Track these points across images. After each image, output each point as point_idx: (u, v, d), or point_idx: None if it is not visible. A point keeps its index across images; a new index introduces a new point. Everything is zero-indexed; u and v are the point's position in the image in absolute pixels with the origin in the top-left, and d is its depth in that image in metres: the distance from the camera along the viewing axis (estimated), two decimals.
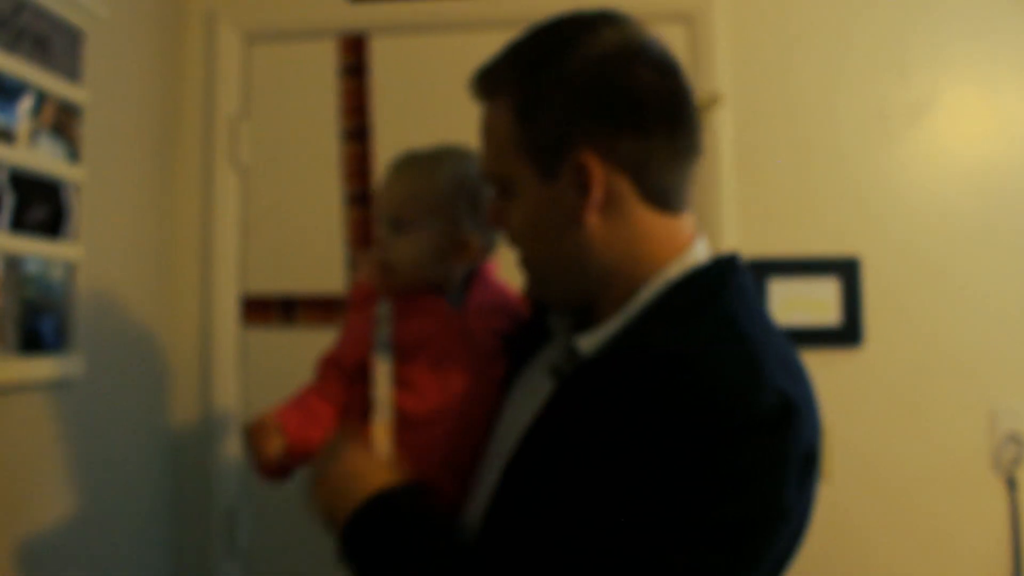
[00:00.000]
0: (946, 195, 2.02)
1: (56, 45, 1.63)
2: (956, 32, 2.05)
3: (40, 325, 1.58)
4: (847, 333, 2.00)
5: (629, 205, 0.95)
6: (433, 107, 2.06)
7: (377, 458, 1.10)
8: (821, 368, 1.87)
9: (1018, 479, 1.97)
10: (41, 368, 1.57)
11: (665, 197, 0.96)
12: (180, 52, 2.14)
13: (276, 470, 1.15)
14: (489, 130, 1.01)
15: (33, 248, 1.54)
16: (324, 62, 2.14)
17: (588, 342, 0.96)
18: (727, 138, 2.04)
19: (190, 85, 2.15)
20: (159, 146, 2.04)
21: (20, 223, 1.51)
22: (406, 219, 1.18)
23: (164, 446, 2.04)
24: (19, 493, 1.52)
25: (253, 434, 1.14)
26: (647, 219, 0.96)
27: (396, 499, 1.01)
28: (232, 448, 2.07)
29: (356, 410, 1.18)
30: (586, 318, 1.01)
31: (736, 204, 2.04)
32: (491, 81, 1.01)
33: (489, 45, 1.05)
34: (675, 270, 0.96)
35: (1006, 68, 2.04)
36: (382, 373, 1.15)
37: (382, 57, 2.12)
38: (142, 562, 1.94)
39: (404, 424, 1.14)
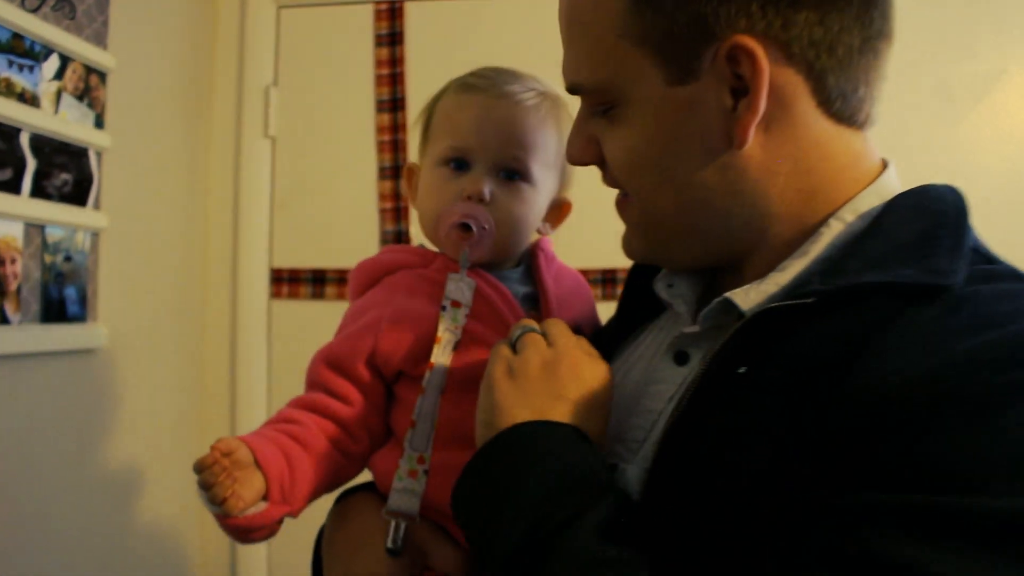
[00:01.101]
0: (1012, 172, 1.91)
1: (80, 7, 1.58)
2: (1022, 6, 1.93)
3: (63, 294, 1.54)
4: None
5: (802, 113, 0.66)
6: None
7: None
8: None
9: None
10: (65, 337, 1.54)
11: (851, 104, 0.68)
12: (210, 16, 2.09)
13: (252, 524, 0.77)
14: (581, 13, 0.71)
15: (55, 215, 1.51)
16: (358, 29, 2.07)
17: (751, 296, 0.66)
18: None
19: (220, 50, 2.10)
20: (187, 113, 2.00)
21: (42, 190, 1.48)
22: (525, 170, 0.89)
23: (190, 416, 2.01)
24: (41, 459, 1.50)
25: (214, 469, 0.73)
26: (825, 135, 0.68)
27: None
28: (257, 419, 2.03)
29: (374, 428, 0.88)
30: (715, 283, 0.76)
31: None
32: None
33: (530, 13, 0.93)
34: (868, 202, 0.68)
35: None
36: (438, 373, 0.84)
37: (417, 24, 2.05)
38: (168, 530, 1.91)
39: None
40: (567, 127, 0.81)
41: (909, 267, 0.60)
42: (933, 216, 0.65)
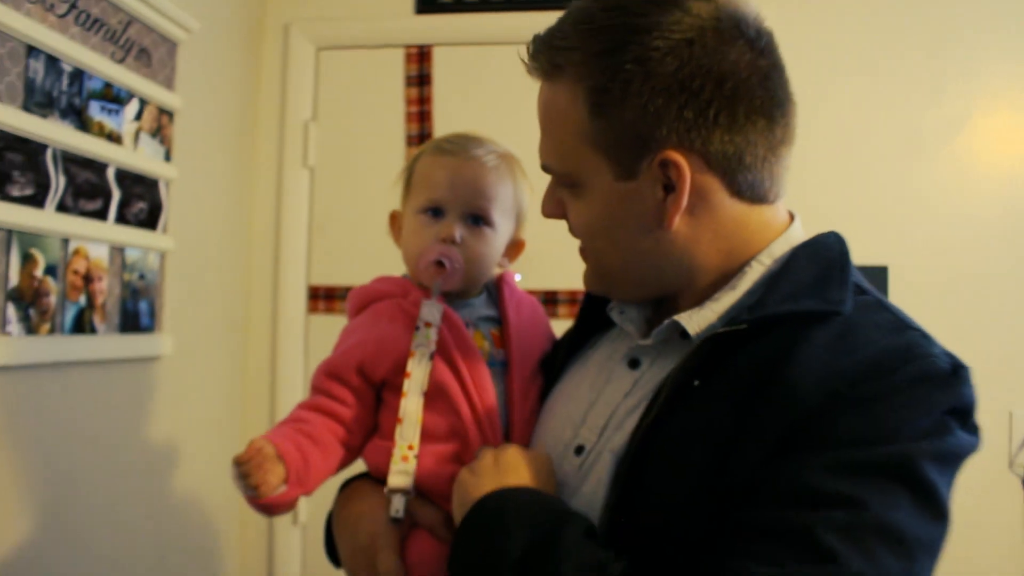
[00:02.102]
0: (971, 210, 2.14)
1: (156, 56, 1.80)
2: (988, 56, 2.15)
3: (138, 307, 1.76)
4: None
5: (718, 202, 0.86)
6: (490, 115, 2.21)
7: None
8: None
9: None
10: (138, 346, 1.76)
11: (758, 190, 0.87)
12: (257, 60, 2.32)
13: (276, 503, 0.98)
14: (553, 117, 0.90)
15: (133, 239, 1.72)
16: (390, 70, 2.30)
17: (694, 322, 0.87)
18: None
19: (264, 88, 2.33)
20: (236, 146, 2.22)
21: (123, 217, 1.69)
22: (487, 217, 1.09)
23: (235, 415, 2.22)
24: (117, 449, 1.71)
25: (250, 464, 0.93)
26: (737, 213, 0.87)
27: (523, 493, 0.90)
28: None
29: (366, 424, 1.08)
30: (661, 305, 0.96)
31: None
32: (556, 59, 0.88)
33: None
34: (779, 249, 0.88)
35: None
36: (417, 380, 1.03)
37: (443, 67, 2.28)
38: (210, 511, 2.12)
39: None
40: (521, 180, 1.10)
41: (812, 299, 0.83)
42: (825, 260, 0.87)
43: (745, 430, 0.77)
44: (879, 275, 2.13)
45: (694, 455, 0.79)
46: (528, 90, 0.93)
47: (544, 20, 2.22)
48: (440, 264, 1.05)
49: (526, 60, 0.91)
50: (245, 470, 0.93)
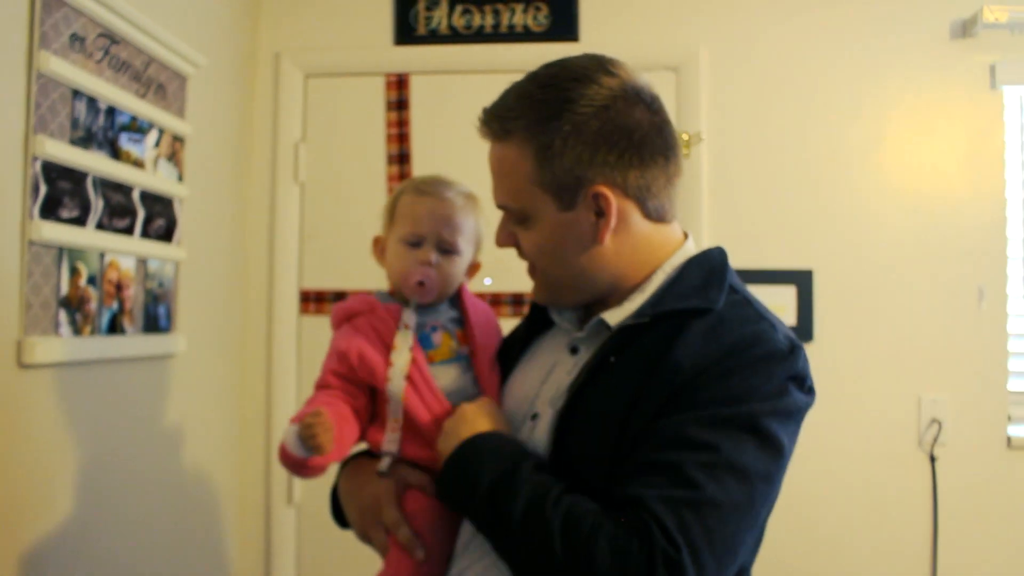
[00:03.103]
0: (885, 220, 2.45)
1: (170, 89, 2.05)
2: (900, 85, 2.47)
3: (158, 311, 2.01)
4: (801, 331, 2.43)
5: (634, 222, 1.14)
6: (461, 137, 2.47)
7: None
8: None
9: (937, 455, 2.40)
10: (158, 345, 2.00)
11: (661, 212, 1.16)
12: (251, 87, 2.56)
13: (320, 465, 1.21)
14: (505, 168, 1.16)
15: (155, 252, 1.97)
16: (372, 96, 2.56)
17: (614, 317, 1.14)
18: (705, 170, 2.47)
19: (258, 113, 2.58)
20: (235, 165, 2.47)
21: (146, 232, 1.94)
22: (455, 246, 1.33)
23: (235, 408, 2.47)
24: (140, 438, 1.95)
25: (318, 426, 1.15)
26: (648, 230, 1.15)
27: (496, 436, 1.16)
28: (288, 409, 2.50)
29: (368, 411, 1.31)
30: (590, 310, 1.21)
31: (711, 224, 2.47)
32: (505, 126, 1.14)
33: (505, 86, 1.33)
34: (677, 260, 1.17)
35: (941, 114, 2.46)
36: (399, 368, 1.27)
37: (420, 93, 2.55)
38: (214, 501, 2.37)
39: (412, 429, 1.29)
40: (480, 215, 1.36)
41: (696, 299, 1.11)
42: (709, 269, 1.16)
43: (642, 394, 1.06)
44: (805, 277, 2.44)
45: (608, 411, 1.08)
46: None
47: (505, 52, 2.53)
48: (421, 283, 1.31)
49: (478, 126, 1.18)
50: (313, 431, 1.15)
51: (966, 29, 2.44)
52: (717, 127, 2.49)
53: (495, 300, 2.46)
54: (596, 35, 2.51)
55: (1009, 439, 2.39)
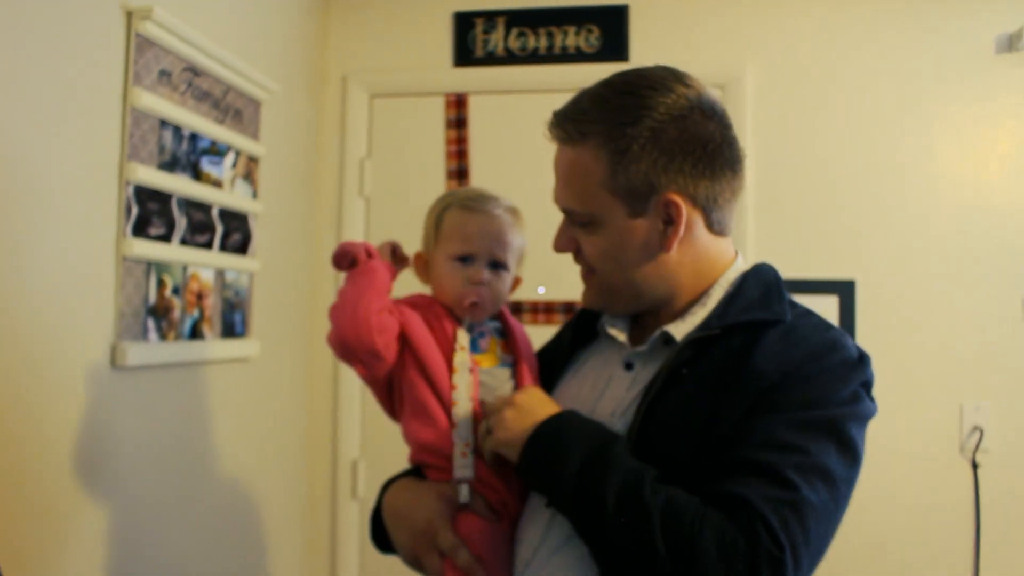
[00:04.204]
0: (927, 230, 2.51)
1: (246, 114, 2.23)
2: (945, 99, 2.52)
3: (234, 318, 2.19)
4: None
5: (698, 234, 1.17)
6: (517, 153, 2.61)
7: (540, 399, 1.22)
8: None
9: (980, 462, 2.44)
10: (234, 349, 2.18)
11: (722, 225, 1.19)
12: (320, 107, 2.74)
13: (372, 266, 1.29)
14: (576, 170, 1.16)
15: (232, 264, 2.15)
16: (432, 115, 2.72)
17: (680, 330, 1.16)
18: (751, 184, 2.56)
19: (326, 131, 2.76)
20: (304, 181, 2.65)
21: (224, 246, 2.12)
22: (505, 263, 1.34)
23: (304, 409, 2.65)
24: (217, 430, 2.14)
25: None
26: (708, 242, 1.18)
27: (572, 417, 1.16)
28: (354, 412, 2.68)
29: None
30: (638, 321, 1.23)
31: (757, 237, 2.56)
32: (581, 128, 1.15)
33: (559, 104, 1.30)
34: (732, 274, 1.20)
35: (987, 129, 2.51)
36: (463, 390, 1.28)
37: (478, 111, 2.69)
38: (283, 496, 2.55)
39: None
40: (523, 229, 1.37)
41: (761, 311, 1.14)
42: (766, 283, 1.20)
43: (722, 402, 1.08)
44: (847, 288, 2.51)
45: (686, 421, 1.09)
46: (541, 130, 1.24)
47: (559, 72, 2.65)
48: (475, 304, 1.31)
49: (549, 128, 1.19)
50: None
51: (1012, 43, 2.49)
52: (762, 143, 2.58)
53: (548, 308, 2.59)
54: (645, 55, 2.62)
55: None
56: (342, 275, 1.34)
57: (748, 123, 2.58)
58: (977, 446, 2.44)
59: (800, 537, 0.99)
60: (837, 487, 1.05)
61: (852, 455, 1.07)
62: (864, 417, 1.12)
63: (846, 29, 2.57)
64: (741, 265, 1.23)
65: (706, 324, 1.16)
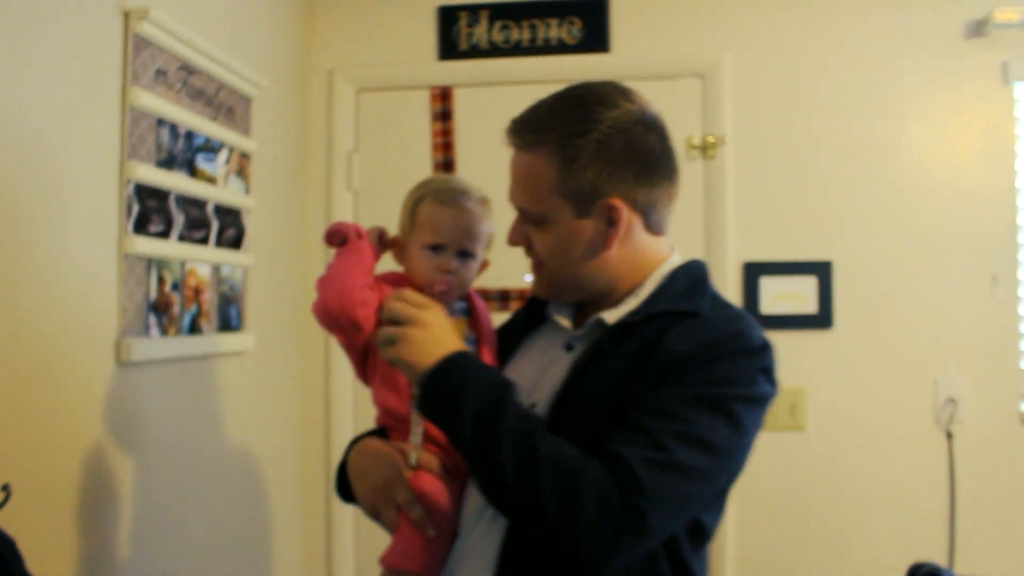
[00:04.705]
0: (901, 212, 2.60)
1: (238, 111, 2.27)
2: (916, 83, 2.61)
3: (230, 312, 2.23)
4: (821, 319, 2.59)
5: (637, 233, 1.30)
6: (502, 144, 2.66)
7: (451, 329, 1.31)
8: (801, 345, 2.53)
9: (954, 432, 2.54)
10: (231, 342, 2.23)
11: (659, 226, 1.32)
12: (307, 102, 2.78)
13: (360, 245, 1.41)
14: (529, 174, 1.28)
15: (227, 258, 2.19)
16: (418, 108, 2.77)
17: (613, 316, 1.29)
18: (730, 170, 2.64)
19: (314, 126, 2.80)
20: (294, 175, 2.69)
21: (220, 241, 2.17)
22: (473, 253, 1.44)
23: (298, 400, 2.71)
24: (216, 422, 2.19)
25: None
26: (645, 242, 1.31)
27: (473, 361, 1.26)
28: (346, 403, 2.73)
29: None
30: (582, 308, 1.36)
31: (737, 221, 2.64)
32: (535, 136, 1.27)
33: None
34: (666, 269, 1.32)
35: (956, 113, 2.60)
36: None
37: (464, 105, 2.74)
38: (279, 486, 2.61)
39: None
40: (492, 217, 1.45)
41: (684, 303, 1.27)
42: (693, 278, 1.32)
43: (636, 376, 1.22)
44: (825, 268, 2.59)
45: (603, 392, 1.23)
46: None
47: (542, 64, 2.71)
48: (443, 291, 1.42)
49: (507, 135, 1.31)
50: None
51: (979, 29, 2.57)
52: (741, 130, 2.65)
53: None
54: (626, 46, 2.68)
55: (1022, 415, 2.54)
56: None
57: (727, 111, 2.65)
58: (951, 417, 2.54)
59: (665, 493, 1.12)
60: (717, 457, 1.18)
61: (739, 431, 1.20)
62: (758, 399, 1.24)
63: (821, 19, 2.65)
64: (676, 261, 1.36)
65: (634, 312, 1.29)
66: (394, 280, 1.45)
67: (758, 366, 1.24)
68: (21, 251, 1.51)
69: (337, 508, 2.74)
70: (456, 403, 1.18)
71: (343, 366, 2.73)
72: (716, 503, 1.29)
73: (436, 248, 1.42)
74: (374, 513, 1.40)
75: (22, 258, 1.51)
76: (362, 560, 2.74)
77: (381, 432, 1.47)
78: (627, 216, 1.26)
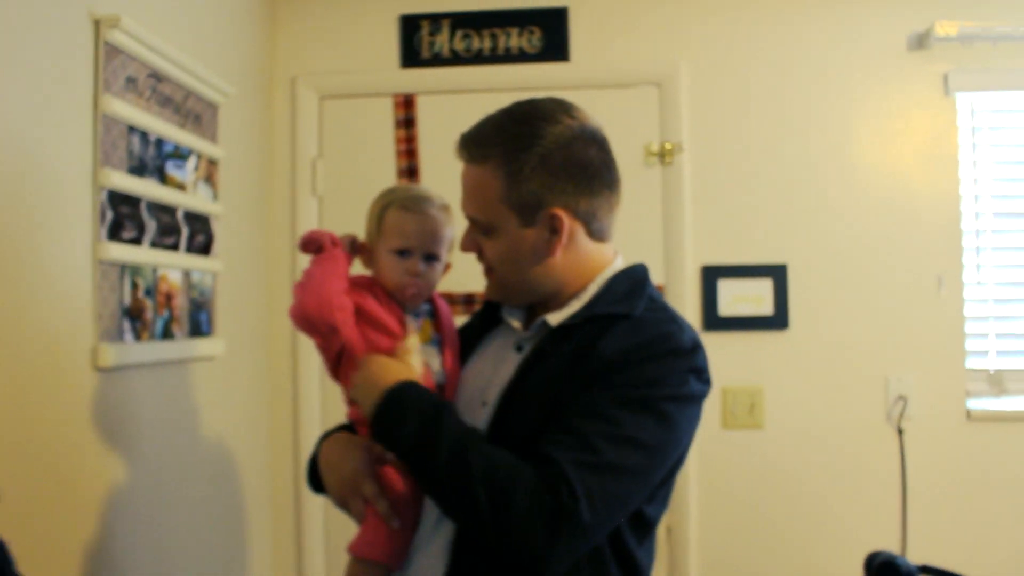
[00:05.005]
0: (852, 217, 2.70)
1: (205, 118, 2.28)
2: (862, 93, 2.72)
3: (200, 317, 2.24)
4: (777, 320, 2.68)
5: (580, 241, 1.37)
6: None
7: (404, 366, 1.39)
8: (758, 345, 2.61)
9: (904, 428, 2.65)
10: (201, 347, 2.23)
11: (601, 234, 1.39)
12: (270, 108, 2.79)
13: (334, 254, 1.46)
14: (478, 186, 1.36)
15: (197, 264, 2.20)
16: (382, 115, 2.80)
17: (555, 318, 1.37)
18: (687, 176, 2.72)
19: (277, 133, 2.81)
20: (259, 182, 2.70)
21: (190, 247, 2.17)
22: (438, 256, 1.51)
23: (266, 405, 2.71)
24: (189, 426, 2.19)
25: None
26: (589, 248, 1.38)
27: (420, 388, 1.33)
28: (313, 408, 2.75)
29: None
30: (533, 309, 1.43)
31: (695, 225, 2.72)
32: (481, 151, 1.35)
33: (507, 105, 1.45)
34: (608, 273, 1.39)
35: (900, 120, 2.71)
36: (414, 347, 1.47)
37: (426, 111, 2.78)
38: (250, 488, 2.61)
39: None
40: (453, 222, 1.52)
41: (620, 306, 1.34)
42: (633, 281, 1.39)
43: (570, 378, 1.29)
44: (780, 271, 2.68)
45: (542, 393, 1.30)
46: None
47: (502, 73, 2.77)
48: (413, 294, 1.50)
49: (457, 149, 1.39)
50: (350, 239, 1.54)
51: (921, 42, 2.69)
52: (697, 137, 2.73)
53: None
54: (585, 55, 2.75)
55: (968, 412, 2.66)
56: (298, 272, 1.52)
57: (683, 118, 2.73)
58: (902, 414, 2.64)
59: (596, 493, 1.19)
60: (649, 454, 1.25)
61: (668, 427, 1.27)
62: (687, 397, 1.31)
63: (770, 30, 2.75)
64: (619, 265, 1.43)
65: (575, 315, 1.36)
66: (364, 284, 1.51)
67: (687, 367, 1.30)
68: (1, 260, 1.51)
69: (306, 502, 2.75)
70: (395, 435, 1.28)
71: (310, 369, 2.76)
72: (658, 495, 1.35)
73: (403, 253, 1.49)
74: (342, 504, 1.45)
75: (1, 265, 1.51)
76: (331, 551, 2.76)
77: (350, 428, 1.53)
78: (569, 224, 1.34)
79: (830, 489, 2.65)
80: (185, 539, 2.15)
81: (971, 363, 2.71)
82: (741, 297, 2.68)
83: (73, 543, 1.69)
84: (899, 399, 2.65)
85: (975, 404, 2.68)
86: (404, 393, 1.30)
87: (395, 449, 1.30)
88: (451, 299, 2.68)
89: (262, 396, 2.71)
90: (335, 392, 1.86)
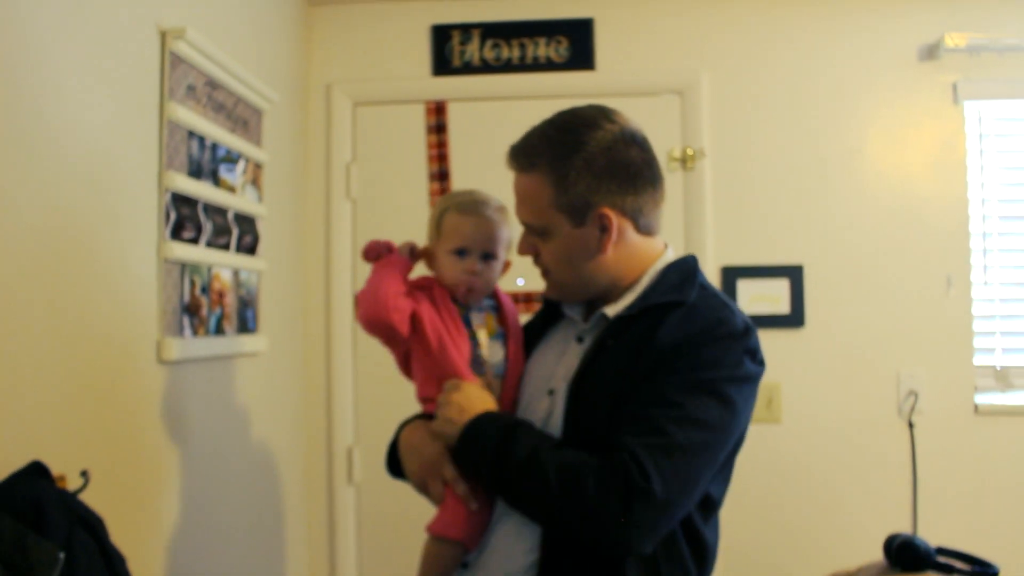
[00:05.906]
0: (865, 220, 2.82)
1: (251, 123, 2.39)
2: (875, 102, 2.83)
3: (247, 314, 2.35)
4: (794, 318, 2.79)
5: (629, 236, 1.45)
6: (494, 156, 2.81)
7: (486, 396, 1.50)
8: (775, 343, 2.73)
9: (915, 422, 2.76)
10: (248, 343, 2.34)
11: (649, 228, 1.48)
12: (306, 114, 2.90)
13: (395, 258, 1.58)
14: (529, 193, 1.45)
15: (245, 264, 2.31)
16: (414, 121, 2.91)
17: (612, 310, 1.44)
18: (708, 181, 2.83)
19: (313, 138, 2.92)
20: (297, 186, 2.81)
21: (239, 247, 2.28)
22: (495, 254, 1.59)
23: (303, 400, 2.82)
24: (236, 417, 2.30)
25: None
26: (638, 242, 1.46)
27: (504, 416, 1.46)
28: (346, 404, 2.85)
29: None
30: (592, 304, 1.51)
31: (715, 227, 2.83)
32: (530, 160, 1.45)
33: (535, 111, 1.57)
34: (660, 265, 1.48)
35: (911, 127, 2.83)
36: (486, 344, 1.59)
37: (457, 117, 2.89)
38: (287, 480, 2.72)
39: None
40: (510, 223, 1.60)
41: (673, 295, 1.42)
42: (684, 272, 1.47)
43: (633, 368, 1.36)
44: (797, 272, 2.79)
45: (606, 383, 1.38)
46: (516, 134, 1.51)
47: (530, 81, 2.88)
48: (470, 290, 1.59)
49: (508, 160, 1.48)
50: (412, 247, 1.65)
51: (931, 53, 2.81)
52: (718, 143, 2.85)
53: (516, 298, 2.81)
54: (610, 64, 2.86)
55: (976, 406, 2.77)
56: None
57: (704, 125, 2.84)
58: (912, 408, 2.76)
59: (668, 471, 1.26)
60: (713, 433, 1.33)
61: (730, 408, 1.35)
62: (744, 378, 1.38)
63: (787, 41, 2.86)
64: (669, 257, 1.51)
65: (631, 306, 1.44)
66: (424, 284, 1.61)
67: (742, 349, 1.38)
68: (79, 258, 1.61)
69: (339, 493, 2.85)
70: (475, 461, 1.41)
71: (344, 365, 2.86)
72: (721, 475, 1.43)
73: (461, 252, 1.57)
74: (422, 487, 1.55)
75: (80, 264, 1.62)
76: (362, 538, 2.86)
77: (428, 417, 1.59)
78: (617, 222, 1.42)
79: (844, 480, 2.76)
80: (231, 519, 2.26)
81: (978, 360, 2.82)
82: (759, 296, 2.79)
83: (141, 519, 1.80)
84: (910, 394, 2.76)
85: (982, 399, 2.79)
86: (483, 419, 1.42)
87: (476, 467, 1.41)
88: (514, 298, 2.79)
89: (299, 391, 2.82)
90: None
